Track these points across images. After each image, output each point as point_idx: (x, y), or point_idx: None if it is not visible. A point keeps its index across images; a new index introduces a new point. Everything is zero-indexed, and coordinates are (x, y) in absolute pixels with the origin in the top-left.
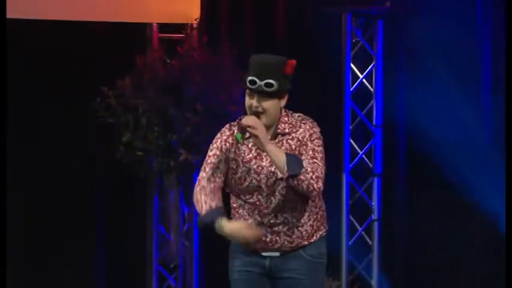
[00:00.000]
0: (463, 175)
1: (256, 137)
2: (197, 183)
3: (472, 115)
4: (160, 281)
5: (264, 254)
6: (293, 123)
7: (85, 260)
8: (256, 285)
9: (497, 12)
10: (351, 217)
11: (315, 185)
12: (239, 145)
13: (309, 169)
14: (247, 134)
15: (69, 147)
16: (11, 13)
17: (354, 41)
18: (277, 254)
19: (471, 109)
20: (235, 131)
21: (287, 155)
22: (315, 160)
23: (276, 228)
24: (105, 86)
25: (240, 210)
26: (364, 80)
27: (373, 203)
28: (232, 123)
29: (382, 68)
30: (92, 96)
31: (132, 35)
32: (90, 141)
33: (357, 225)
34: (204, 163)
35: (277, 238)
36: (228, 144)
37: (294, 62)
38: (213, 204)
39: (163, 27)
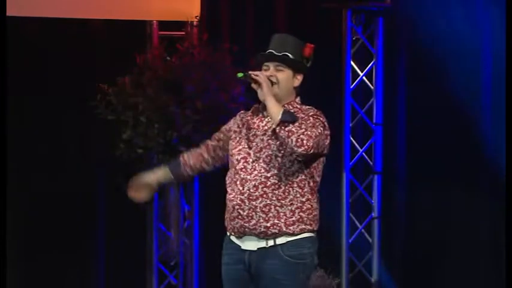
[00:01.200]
0: (463, 172)
1: (259, 84)
2: None
3: (472, 113)
4: (160, 278)
5: (243, 247)
6: (303, 109)
7: (85, 257)
8: (241, 283)
9: (497, 10)
10: (351, 215)
11: (305, 141)
12: (244, 117)
13: (303, 127)
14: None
15: (68, 144)
16: (11, 10)
17: (354, 38)
18: (254, 248)
19: (471, 106)
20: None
21: (285, 109)
22: (313, 129)
23: (254, 202)
24: (105, 84)
25: (231, 180)
26: (364, 77)
27: (373, 201)
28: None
29: (382, 66)
30: (92, 94)
31: (133, 32)
32: (90, 139)
33: (357, 222)
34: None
35: (253, 213)
36: (236, 122)
37: (312, 45)
38: (180, 159)
39: (164, 24)
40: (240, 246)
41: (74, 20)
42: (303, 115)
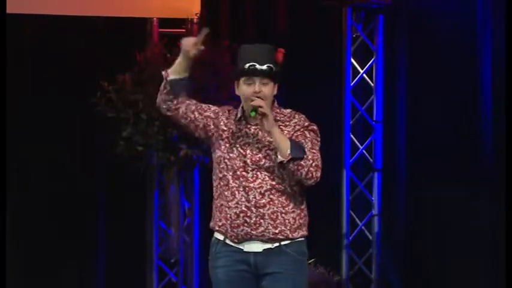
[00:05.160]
0: (463, 171)
1: (266, 116)
2: None
3: (472, 113)
4: (160, 276)
5: (246, 250)
6: (284, 113)
7: (85, 255)
8: (244, 284)
9: (497, 10)
10: (351, 212)
11: (314, 173)
12: (233, 121)
13: (310, 157)
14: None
15: (69, 142)
16: (11, 8)
17: (354, 35)
18: (259, 249)
19: (471, 105)
20: (249, 110)
21: (291, 139)
22: (314, 151)
23: (262, 210)
24: (106, 81)
25: (228, 186)
26: (364, 75)
27: (373, 198)
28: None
29: (382, 63)
30: (92, 91)
31: (133, 29)
32: (90, 137)
33: (357, 220)
34: None
35: (262, 221)
36: (221, 115)
37: (283, 50)
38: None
39: (164, 22)
40: (240, 249)
41: (74, 17)
42: (293, 126)
